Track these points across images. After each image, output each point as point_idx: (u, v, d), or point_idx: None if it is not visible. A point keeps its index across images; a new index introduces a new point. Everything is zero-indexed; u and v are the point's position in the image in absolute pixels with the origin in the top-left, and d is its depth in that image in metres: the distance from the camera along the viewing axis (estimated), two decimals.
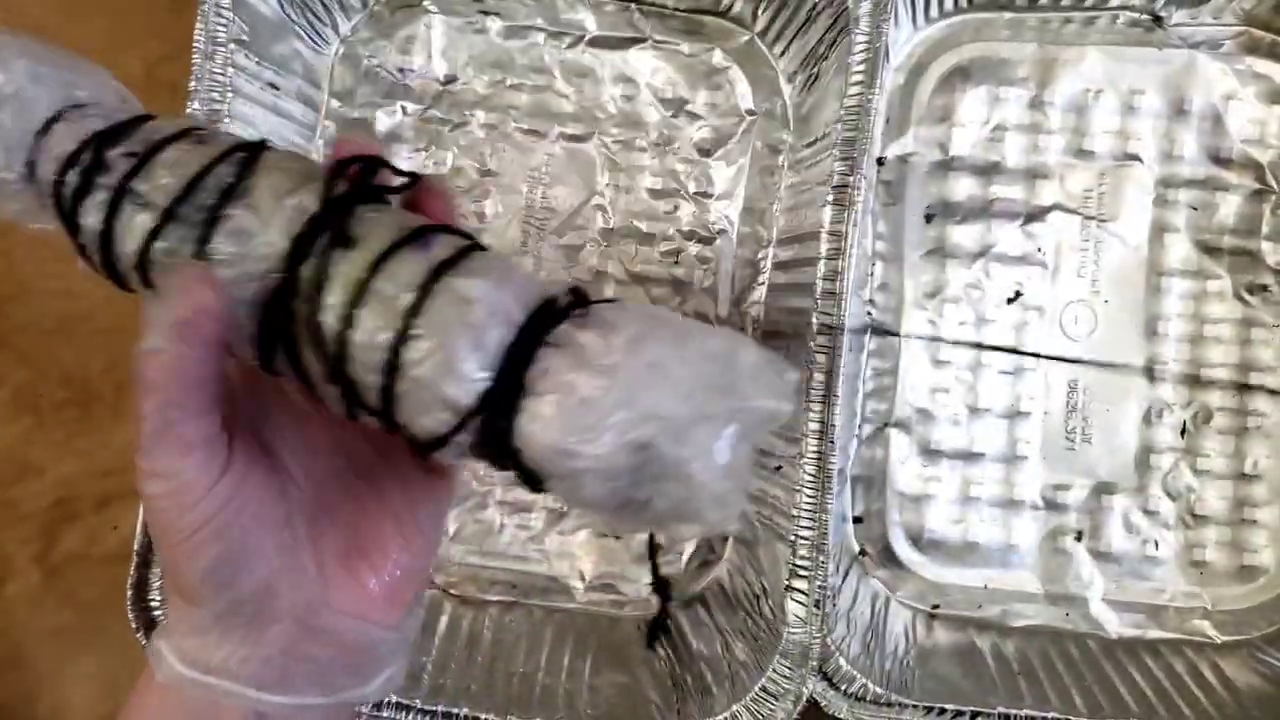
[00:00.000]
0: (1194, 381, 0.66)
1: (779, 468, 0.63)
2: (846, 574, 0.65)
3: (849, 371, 0.61)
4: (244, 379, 0.37)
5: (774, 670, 0.59)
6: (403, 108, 0.68)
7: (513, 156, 0.68)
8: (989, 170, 0.68)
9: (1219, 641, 0.64)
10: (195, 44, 0.60)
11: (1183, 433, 0.66)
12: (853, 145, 0.60)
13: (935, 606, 0.66)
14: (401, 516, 0.38)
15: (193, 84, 0.61)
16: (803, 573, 0.59)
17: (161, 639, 0.34)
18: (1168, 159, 0.67)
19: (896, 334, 0.67)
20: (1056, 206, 0.67)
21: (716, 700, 0.60)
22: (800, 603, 0.59)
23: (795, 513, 0.59)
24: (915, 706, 0.59)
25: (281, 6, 0.64)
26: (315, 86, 0.68)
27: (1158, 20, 0.67)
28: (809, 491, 0.59)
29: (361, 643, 0.36)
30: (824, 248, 0.60)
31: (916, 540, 0.67)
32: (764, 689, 0.59)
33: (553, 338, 0.31)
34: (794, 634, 0.59)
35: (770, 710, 0.58)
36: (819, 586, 0.59)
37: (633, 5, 0.68)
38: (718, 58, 0.69)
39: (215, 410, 0.32)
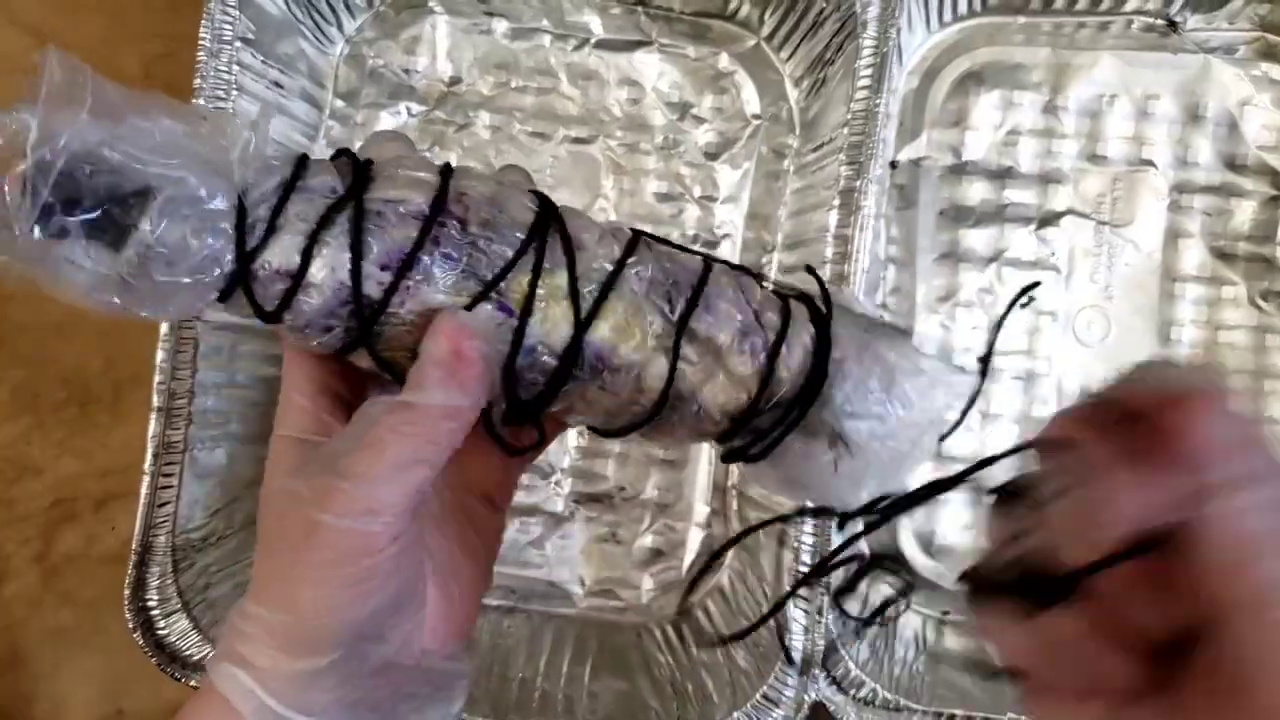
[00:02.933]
0: None
1: None
2: (857, 580, 0.67)
3: None
4: None
5: (775, 677, 0.61)
6: (407, 108, 0.71)
7: (517, 159, 0.71)
8: (1002, 175, 0.70)
9: None
10: (200, 41, 0.63)
11: None
12: (859, 150, 0.63)
13: (945, 612, 0.68)
14: (477, 552, 0.40)
15: (197, 82, 0.63)
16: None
17: (244, 671, 0.34)
18: (1182, 164, 0.70)
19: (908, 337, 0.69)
20: (1070, 211, 0.70)
21: (717, 707, 0.62)
22: (803, 609, 0.61)
23: (799, 518, 0.61)
24: (924, 712, 0.61)
25: (287, 5, 0.67)
26: (320, 86, 0.71)
27: (1173, 25, 0.70)
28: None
29: (445, 677, 0.38)
30: (829, 252, 0.63)
31: (927, 546, 0.69)
32: (765, 696, 0.61)
33: None
34: (796, 640, 0.61)
35: (771, 717, 0.60)
36: (821, 594, 0.61)
37: (639, 8, 0.71)
38: (724, 61, 0.71)
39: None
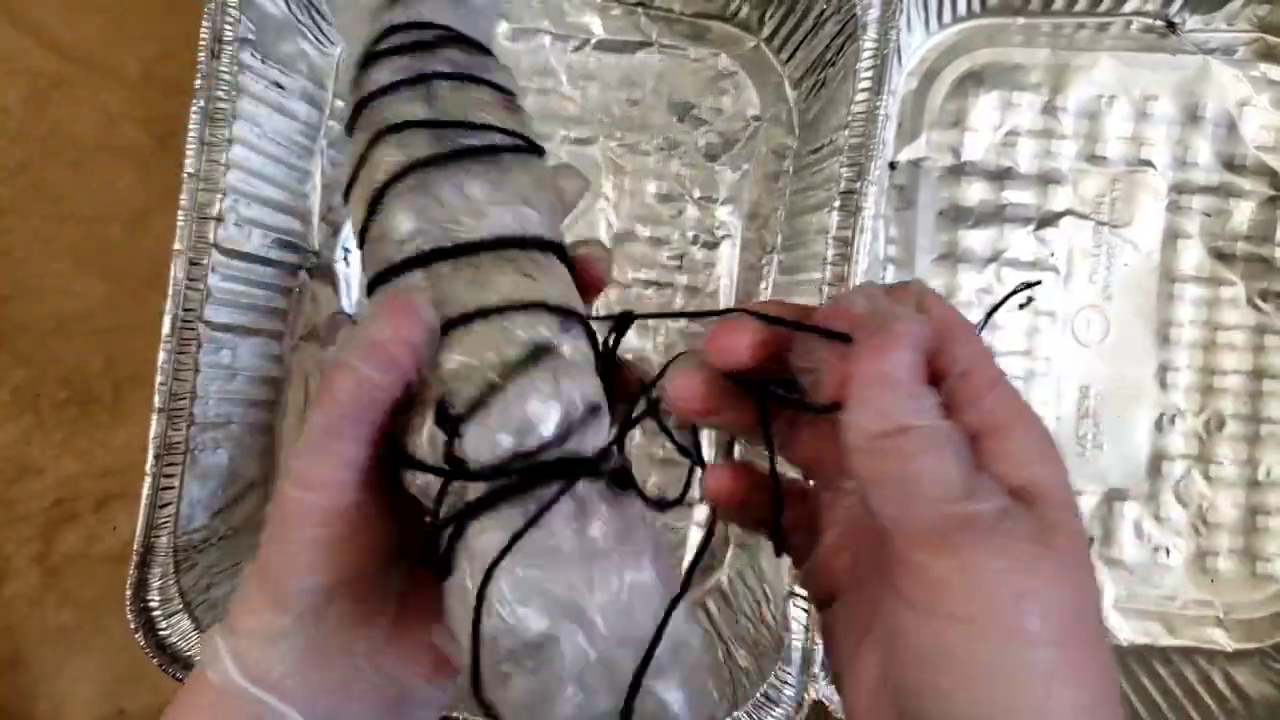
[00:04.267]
0: (1206, 388, 0.69)
1: None
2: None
3: None
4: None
5: (775, 677, 0.61)
6: None
7: None
8: (1001, 175, 0.71)
9: (1231, 650, 0.67)
10: (201, 42, 0.63)
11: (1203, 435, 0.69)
12: (859, 151, 0.63)
13: None
14: None
15: (198, 82, 0.64)
16: None
17: (221, 636, 0.35)
18: (1181, 165, 0.70)
19: None
20: (1069, 212, 0.71)
21: (717, 705, 0.62)
22: (803, 609, 0.61)
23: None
24: None
25: (288, 5, 0.68)
26: (320, 86, 0.71)
27: (1171, 26, 0.70)
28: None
29: (412, 696, 0.37)
30: (829, 253, 0.63)
31: None
32: (765, 695, 0.61)
33: None
34: (796, 640, 0.61)
35: (771, 717, 0.61)
36: None
37: (639, 9, 0.72)
38: (724, 62, 0.72)
39: (373, 444, 0.34)
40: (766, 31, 0.71)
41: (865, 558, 0.34)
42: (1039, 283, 0.70)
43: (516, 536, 0.31)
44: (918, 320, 0.30)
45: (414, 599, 0.38)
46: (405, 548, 0.37)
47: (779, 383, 0.34)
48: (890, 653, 0.30)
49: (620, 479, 0.34)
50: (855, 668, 0.33)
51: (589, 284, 0.38)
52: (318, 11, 0.69)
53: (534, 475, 0.33)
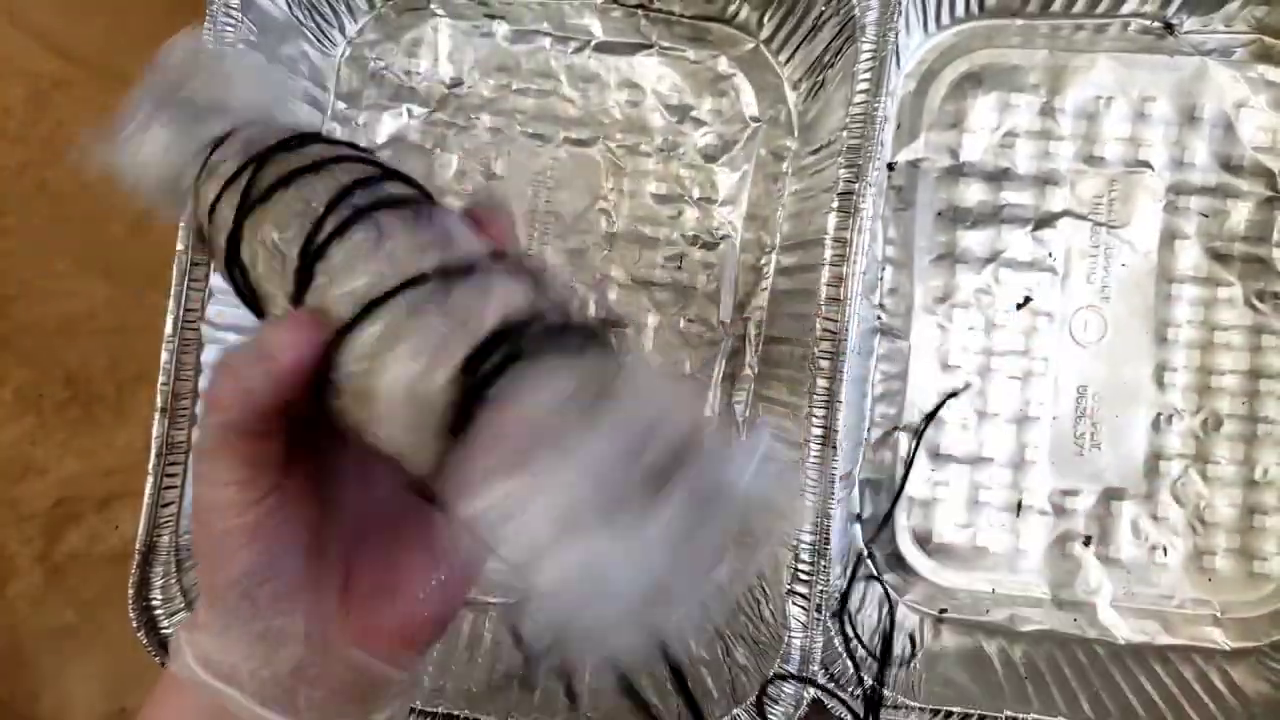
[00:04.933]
0: (1204, 388, 0.69)
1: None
2: (854, 577, 0.68)
3: (856, 376, 0.65)
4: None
5: (775, 675, 0.62)
6: (408, 110, 0.72)
7: (518, 160, 0.72)
8: (999, 176, 0.71)
9: (1228, 648, 0.67)
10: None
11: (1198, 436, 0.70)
12: (858, 152, 0.63)
13: (943, 611, 0.69)
14: (441, 562, 0.40)
15: None
16: (804, 577, 0.62)
17: (184, 631, 0.37)
18: (1179, 166, 0.71)
19: (905, 337, 0.70)
20: (1067, 213, 0.71)
21: (717, 704, 0.62)
22: (801, 607, 0.62)
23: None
24: (921, 710, 0.62)
25: (289, 8, 0.68)
26: (322, 88, 0.71)
27: (1169, 28, 0.70)
28: (811, 496, 0.62)
29: (370, 679, 0.38)
30: (828, 254, 0.63)
31: (924, 544, 0.70)
32: (765, 693, 0.61)
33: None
34: (795, 638, 0.62)
35: (771, 715, 0.61)
36: (820, 591, 0.62)
37: (639, 11, 0.72)
38: (723, 64, 0.72)
39: (278, 435, 0.35)
40: (766, 33, 0.71)
41: None
42: (1028, 299, 0.70)
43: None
44: None
45: (363, 576, 0.38)
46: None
47: None
48: None
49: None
50: None
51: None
52: (319, 14, 0.70)
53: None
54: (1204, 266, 0.70)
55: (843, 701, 0.62)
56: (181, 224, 0.63)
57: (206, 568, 0.36)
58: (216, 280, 0.65)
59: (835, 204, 0.63)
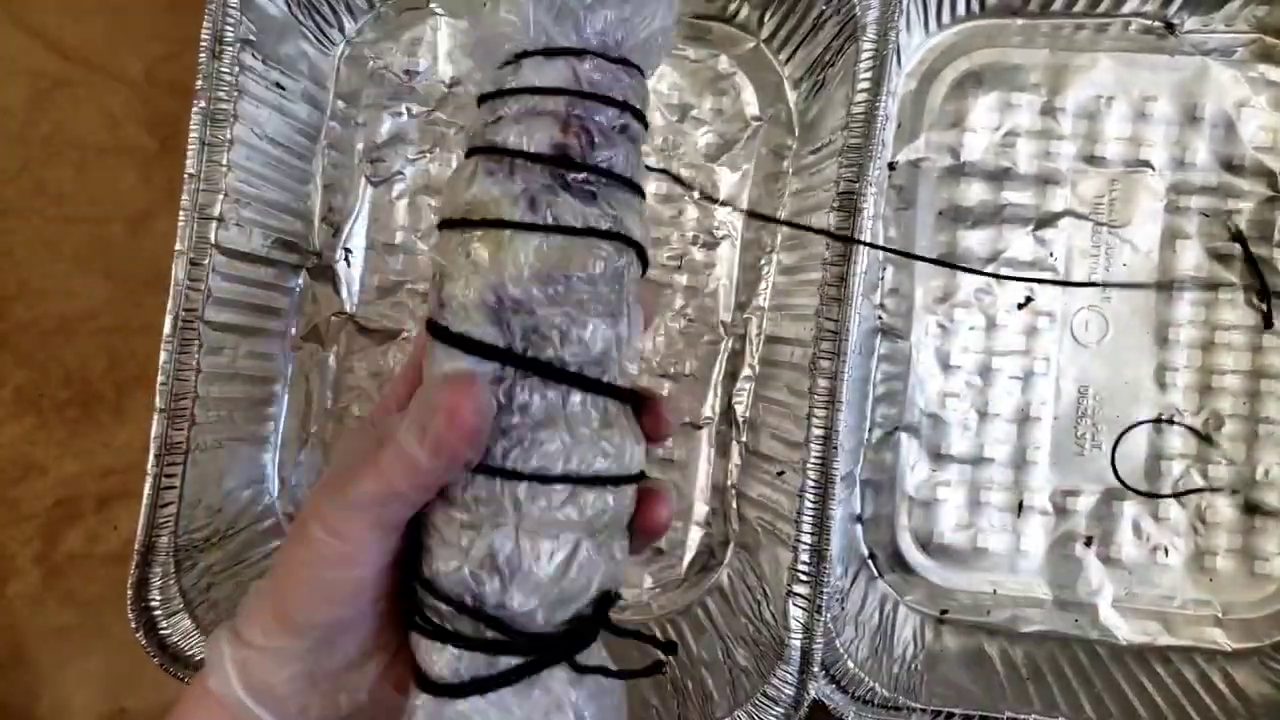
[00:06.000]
0: (1205, 388, 0.69)
1: (781, 473, 0.65)
2: (855, 578, 0.68)
3: (857, 376, 0.65)
4: None
5: (775, 676, 0.61)
6: (408, 109, 0.72)
7: None
8: (1000, 176, 0.71)
9: (1229, 649, 0.67)
10: (202, 43, 0.64)
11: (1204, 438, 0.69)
12: (858, 152, 0.63)
13: (944, 611, 0.69)
14: None
15: (199, 83, 0.64)
16: (804, 578, 0.62)
17: (228, 644, 0.36)
18: (1179, 166, 0.70)
19: (906, 337, 0.70)
20: (1068, 212, 0.71)
21: (717, 705, 0.62)
22: (802, 608, 0.62)
23: (797, 518, 0.62)
24: (923, 710, 0.62)
25: (289, 7, 0.68)
26: (321, 87, 0.71)
27: (1170, 27, 0.70)
28: (811, 497, 0.62)
29: None
30: (829, 254, 0.63)
31: (925, 545, 0.70)
32: (765, 694, 0.61)
33: None
34: (795, 639, 0.61)
35: (771, 716, 0.61)
36: (821, 592, 0.61)
37: None
38: (723, 64, 0.72)
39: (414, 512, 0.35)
40: (766, 32, 0.71)
41: None
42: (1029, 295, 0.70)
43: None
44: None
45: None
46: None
47: None
48: None
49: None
50: None
51: (652, 434, 0.38)
52: (318, 13, 0.70)
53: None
54: (1205, 266, 0.70)
55: (844, 703, 0.62)
56: (180, 223, 0.63)
57: (293, 601, 0.35)
58: (215, 280, 0.65)
59: (836, 203, 0.63)
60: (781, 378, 0.68)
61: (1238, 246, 0.69)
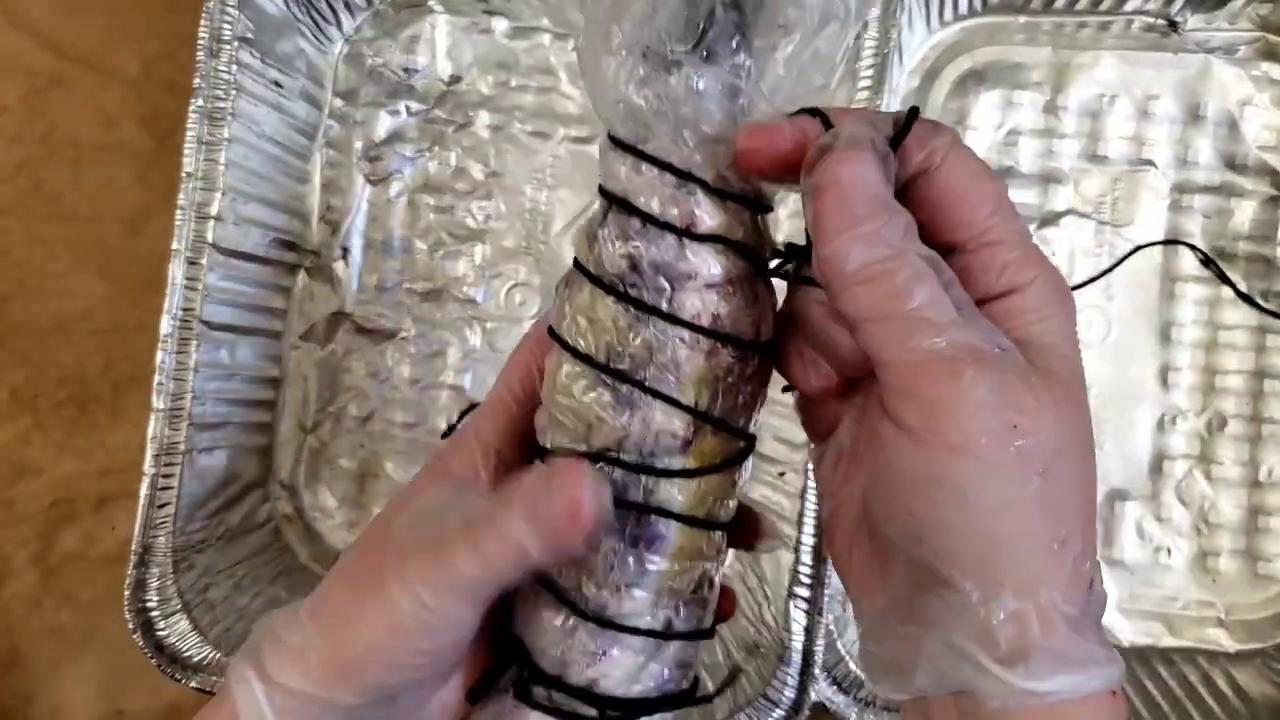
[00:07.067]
0: (1208, 388, 0.69)
1: (782, 474, 0.65)
2: None
3: None
4: None
5: (776, 678, 0.61)
6: (406, 107, 0.72)
7: (517, 158, 0.71)
8: (1003, 174, 0.70)
9: (1233, 650, 0.67)
10: (199, 41, 0.63)
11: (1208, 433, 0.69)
12: None
13: None
14: None
15: (196, 81, 0.64)
16: (806, 580, 0.61)
17: (259, 684, 0.34)
18: (1182, 164, 0.70)
19: None
20: (1070, 211, 0.70)
21: (718, 707, 0.62)
22: (803, 610, 0.61)
23: (799, 519, 0.62)
24: None
25: (287, 4, 0.68)
26: (319, 85, 0.71)
27: (1173, 25, 0.70)
28: (812, 498, 0.62)
29: None
30: None
31: None
32: (766, 696, 0.61)
33: None
34: (796, 641, 0.61)
35: (772, 718, 0.60)
36: (822, 594, 0.61)
37: None
38: None
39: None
40: None
41: (864, 386, 0.33)
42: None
43: None
44: (878, 135, 0.30)
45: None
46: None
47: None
48: (877, 481, 0.31)
49: None
50: (841, 497, 0.34)
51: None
52: (316, 11, 0.69)
53: None
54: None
55: (845, 705, 0.61)
56: (177, 222, 0.63)
57: (358, 659, 0.33)
58: (213, 279, 0.64)
59: None
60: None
61: (1241, 245, 0.69)
